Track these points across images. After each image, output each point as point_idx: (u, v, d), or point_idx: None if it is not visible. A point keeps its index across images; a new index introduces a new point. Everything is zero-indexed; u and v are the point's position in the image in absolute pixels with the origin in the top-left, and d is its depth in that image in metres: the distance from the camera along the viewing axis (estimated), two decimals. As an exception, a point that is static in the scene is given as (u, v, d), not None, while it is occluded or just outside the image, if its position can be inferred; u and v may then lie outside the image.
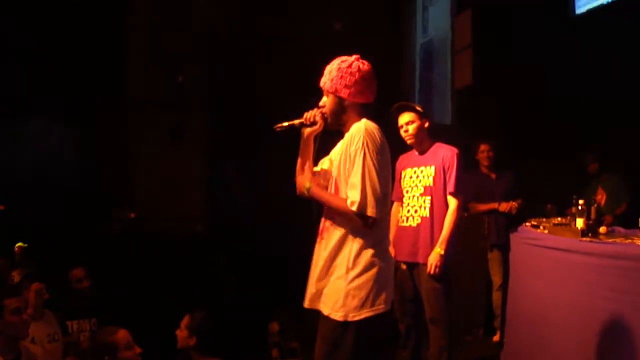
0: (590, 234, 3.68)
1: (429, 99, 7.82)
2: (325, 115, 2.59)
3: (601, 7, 5.67)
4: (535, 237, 4.07)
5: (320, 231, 2.62)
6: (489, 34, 6.55)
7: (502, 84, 6.29)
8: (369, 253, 2.46)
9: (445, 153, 3.71)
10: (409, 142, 3.81)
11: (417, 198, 3.73)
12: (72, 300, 4.25)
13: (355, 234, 2.46)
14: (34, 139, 6.54)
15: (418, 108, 3.81)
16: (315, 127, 2.61)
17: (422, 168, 3.76)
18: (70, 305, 4.21)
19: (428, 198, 3.69)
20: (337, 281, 2.46)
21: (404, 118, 3.78)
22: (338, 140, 2.71)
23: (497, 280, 5.12)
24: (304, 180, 2.60)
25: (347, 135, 2.53)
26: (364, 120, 2.51)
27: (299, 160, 2.68)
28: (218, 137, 6.59)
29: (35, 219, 5.57)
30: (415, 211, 3.73)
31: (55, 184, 6.27)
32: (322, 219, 2.62)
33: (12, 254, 4.59)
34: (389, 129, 3.88)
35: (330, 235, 2.53)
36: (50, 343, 3.64)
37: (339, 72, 2.53)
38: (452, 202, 3.65)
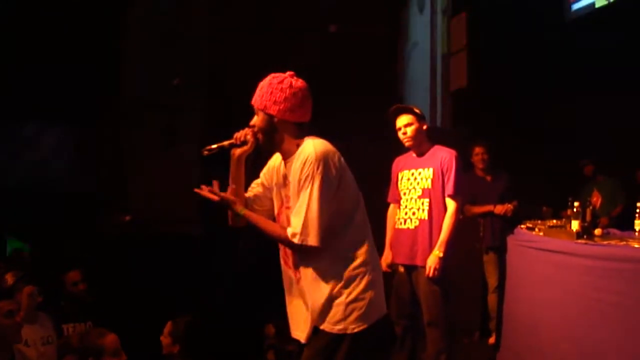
0: (585, 236, 3.69)
1: (424, 102, 7.82)
2: (257, 135, 2.45)
3: (597, 9, 5.69)
4: (531, 240, 4.08)
5: (290, 263, 2.49)
6: (483, 36, 6.56)
7: (497, 86, 6.30)
8: (358, 264, 2.39)
9: (443, 155, 3.70)
10: (407, 144, 3.78)
11: (415, 200, 3.72)
12: (67, 304, 4.24)
13: (334, 251, 2.37)
14: (30, 142, 6.52)
15: (416, 110, 3.80)
16: (245, 147, 2.47)
17: (420, 170, 3.75)
18: (66, 308, 4.20)
19: (426, 200, 3.68)
20: (333, 295, 2.37)
21: (402, 120, 3.75)
22: (267, 161, 2.60)
23: (492, 282, 5.12)
24: (236, 206, 2.44)
25: (296, 160, 2.36)
26: (311, 141, 2.37)
27: (231, 184, 2.53)
28: (214, 139, 6.57)
29: (30, 222, 5.55)
30: (414, 213, 3.72)
31: (50, 186, 6.26)
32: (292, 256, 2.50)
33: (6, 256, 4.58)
34: (386, 130, 3.90)
35: (308, 264, 2.41)
36: (44, 346, 3.63)
37: (269, 88, 2.38)
38: (451, 204, 3.65)
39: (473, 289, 5.25)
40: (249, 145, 2.47)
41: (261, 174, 2.63)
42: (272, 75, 2.44)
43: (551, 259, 3.72)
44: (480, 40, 6.63)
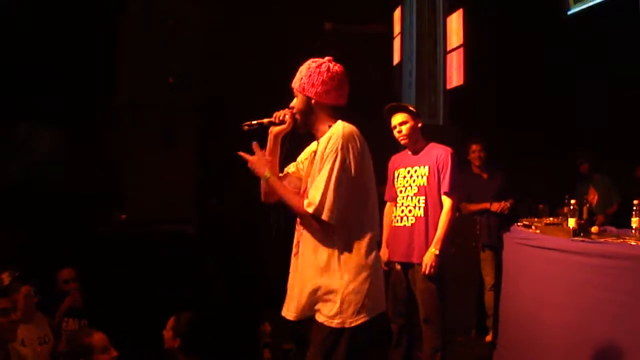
0: (582, 234, 3.69)
1: (421, 99, 7.81)
2: (296, 116, 2.56)
3: (594, 6, 5.69)
4: (527, 237, 4.08)
5: (295, 243, 2.57)
6: (480, 33, 6.55)
7: (494, 84, 6.30)
8: (359, 255, 2.41)
9: (439, 153, 3.71)
10: (402, 142, 3.79)
11: (411, 198, 3.73)
12: (61, 301, 4.22)
13: (338, 236, 2.41)
14: (25, 142, 6.51)
15: (411, 108, 3.81)
16: (284, 126, 2.58)
17: (416, 168, 3.75)
18: (59, 305, 4.18)
19: (422, 198, 3.68)
20: (331, 288, 2.40)
21: (397, 119, 3.76)
22: (308, 144, 2.68)
23: (489, 280, 5.12)
24: (263, 169, 2.53)
25: (323, 138, 2.47)
26: (341, 123, 2.48)
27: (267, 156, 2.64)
28: (209, 140, 6.57)
29: (25, 221, 5.53)
30: (410, 211, 3.72)
31: (46, 186, 6.24)
32: (297, 230, 2.57)
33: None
34: (382, 129, 3.89)
35: (308, 243, 2.47)
36: (41, 345, 3.62)
37: (308, 71, 2.53)
38: (447, 201, 3.65)
39: (469, 286, 5.25)
40: (286, 124, 2.58)
41: (298, 158, 2.73)
42: (312, 59, 2.57)
43: (548, 256, 3.72)
44: (475, 37, 6.62)
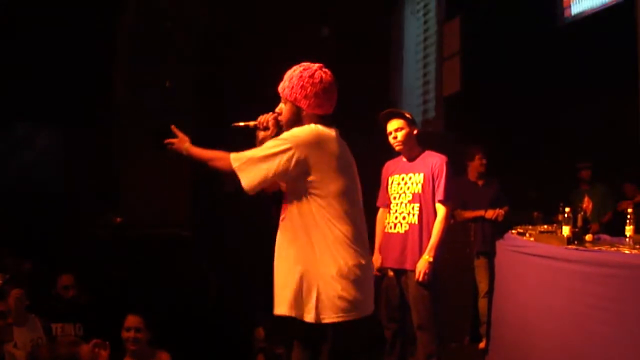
0: (576, 242, 3.69)
1: (417, 106, 7.83)
2: (280, 123, 2.51)
3: (590, 14, 5.72)
4: (521, 245, 4.08)
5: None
6: (477, 40, 6.57)
7: (491, 91, 6.31)
8: (349, 253, 2.39)
9: (434, 160, 3.71)
10: (397, 148, 3.79)
11: (405, 205, 3.72)
12: (57, 305, 4.21)
13: (323, 232, 2.38)
14: (20, 144, 6.50)
15: (407, 115, 3.81)
16: (267, 133, 2.55)
17: (411, 175, 3.75)
18: (55, 309, 4.17)
19: (417, 205, 3.68)
20: (322, 284, 2.37)
21: (393, 125, 3.76)
22: None
23: (483, 287, 5.12)
24: (182, 144, 2.57)
25: None
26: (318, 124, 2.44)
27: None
28: (204, 142, 6.56)
29: (20, 224, 5.52)
30: (404, 218, 3.72)
31: (41, 189, 6.23)
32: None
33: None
34: (378, 135, 3.90)
35: (290, 236, 2.45)
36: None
37: (300, 80, 2.42)
38: (441, 209, 3.65)
39: (463, 293, 5.24)
40: (270, 131, 2.54)
41: None
42: (302, 66, 2.47)
43: (541, 264, 3.72)
44: (472, 45, 6.64)
